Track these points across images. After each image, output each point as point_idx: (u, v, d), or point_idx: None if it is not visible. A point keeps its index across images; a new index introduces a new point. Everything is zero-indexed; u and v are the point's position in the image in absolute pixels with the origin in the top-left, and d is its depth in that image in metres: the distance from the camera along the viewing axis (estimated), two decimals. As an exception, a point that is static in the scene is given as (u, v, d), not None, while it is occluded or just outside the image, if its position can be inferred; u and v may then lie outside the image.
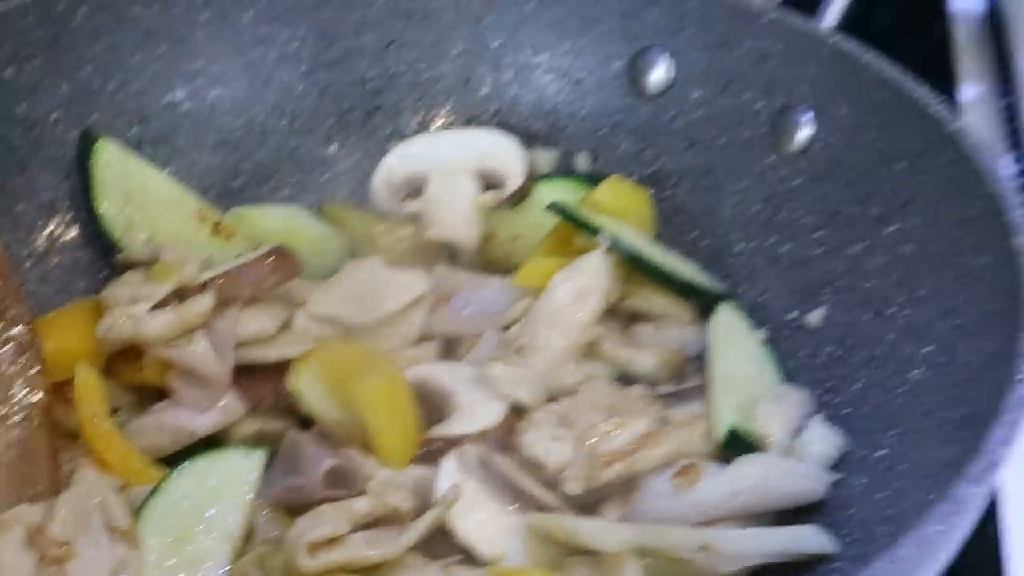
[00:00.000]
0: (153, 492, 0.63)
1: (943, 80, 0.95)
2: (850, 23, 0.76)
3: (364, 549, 0.60)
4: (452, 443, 0.66)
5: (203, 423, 0.69)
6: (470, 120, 0.83)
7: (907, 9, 1.03)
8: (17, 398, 0.66)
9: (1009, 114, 0.91)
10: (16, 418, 0.66)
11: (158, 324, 0.68)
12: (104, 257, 0.78)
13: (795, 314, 0.73)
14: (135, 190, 0.77)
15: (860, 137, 0.72)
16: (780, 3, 0.77)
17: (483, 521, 0.64)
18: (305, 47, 0.82)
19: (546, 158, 0.82)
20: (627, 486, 0.65)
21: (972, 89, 0.92)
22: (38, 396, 0.67)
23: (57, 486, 0.65)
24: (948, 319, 0.65)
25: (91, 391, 0.67)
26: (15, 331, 0.67)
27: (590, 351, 0.71)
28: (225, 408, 0.69)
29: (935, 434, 0.61)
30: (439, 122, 0.83)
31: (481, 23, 0.82)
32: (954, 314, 0.64)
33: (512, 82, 0.82)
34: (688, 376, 0.72)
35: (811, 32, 0.75)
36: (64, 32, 0.78)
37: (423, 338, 0.74)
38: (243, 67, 0.82)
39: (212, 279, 0.70)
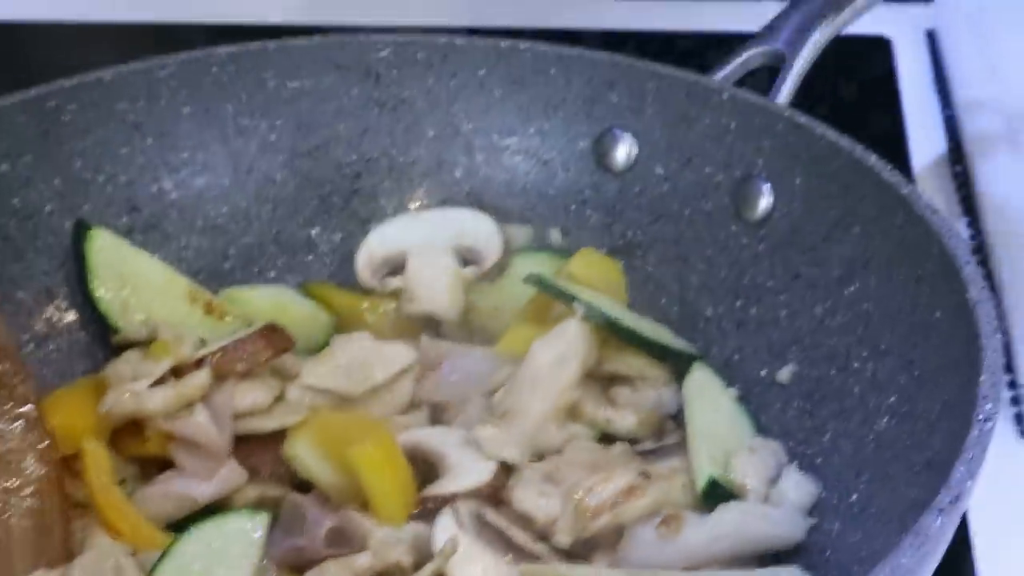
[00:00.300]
0: (163, 556, 0.64)
1: (895, 150, 0.97)
2: (804, 98, 0.77)
3: (368, 602, 0.62)
4: (446, 500, 0.67)
5: (206, 491, 0.69)
6: (445, 200, 0.83)
7: (859, 85, 1.04)
8: (29, 471, 0.67)
9: (961, 181, 0.92)
10: (28, 490, 0.66)
11: (158, 399, 0.70)
12: (102, 338, 0.79)
13: (765, 371, 0.74)
14: (129, 274, 0.78)
15: (816, 204, 0.73)
16: (735, 82, 0.78)
17: (479, 572, 0.64)
18: (284, 137, 0.83)
19: (521, 233, 0.82)
20: (614, 536, 0.66)
21: (924, 157, 0.93)
22: (47, 469, 0.67)
23: (71, 553, 0.66)
24: (908, 370, 0.66)
25: (100, 462, 0.69)
26: (24, 409, 0.68)
27: (572, 412, 0.72)
28: (227, 476, 0.70)
29: (902, 477, 0.63)
30: (416, 203, 0.84)
31: (451, 109, 0.82)
32: (913, 365, 0.66)
33: (484, 164, 0.83)
34: (667, 433, 0.73)
35: (765, 107, 0.76)
36: (55, 128, 0.79)
37: (413, 405, 0.74)
38: (226, 157, 0.82)
39: (208, 355, 0.72)
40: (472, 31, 0.94)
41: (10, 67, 0.82)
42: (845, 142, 0.72)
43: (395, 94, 0.83)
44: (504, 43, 0.82)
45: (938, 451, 0.60)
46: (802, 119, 0.74)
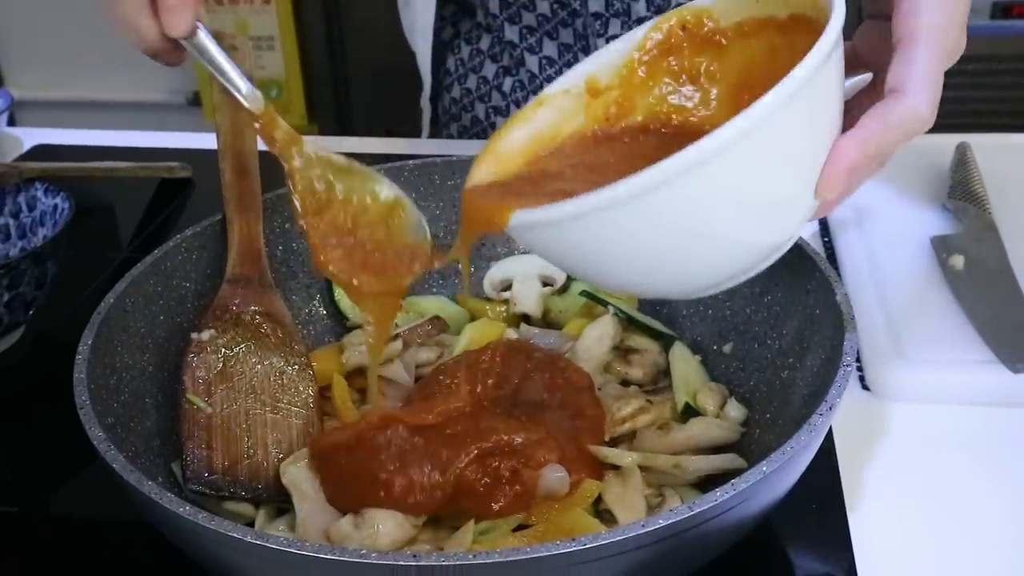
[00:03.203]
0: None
1: None
2: None
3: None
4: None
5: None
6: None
7: None
8: (303, 392, 0.69)
9: (828, 247, 0.91)
10: (301, 403, 0.68)
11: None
12: (339, 323, 0.80)
13: (716, 346, 0.74)
14: None
15: None
16: None
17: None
18: (445, 212, 0.82)
19: None
20: (632, 435, 0.67)
21: (805, 233, 0.93)
22: (313, 389, 0.69)
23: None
24: (800, 343, 0.67)
25: (342, 390, 0.71)
26: (300, 358, 0.70)
27: (606, 368, 0.73)
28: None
29: (797, 403, 0.64)
30: (518, 250, 0.84)
31: None
32: (804, 340, 0.67)
33: None
34: (660, 380, 0.74)
35: None
36: None
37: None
38: None
39: (401, 333, 0.75)
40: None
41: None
42: None
43: None
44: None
45: (819, 386, 0.60)
46: None
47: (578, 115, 0.62)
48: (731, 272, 0.54)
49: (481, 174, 0.58)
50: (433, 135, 1.25)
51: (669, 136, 0.61)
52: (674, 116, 0.61)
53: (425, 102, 1.23)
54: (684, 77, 0.61)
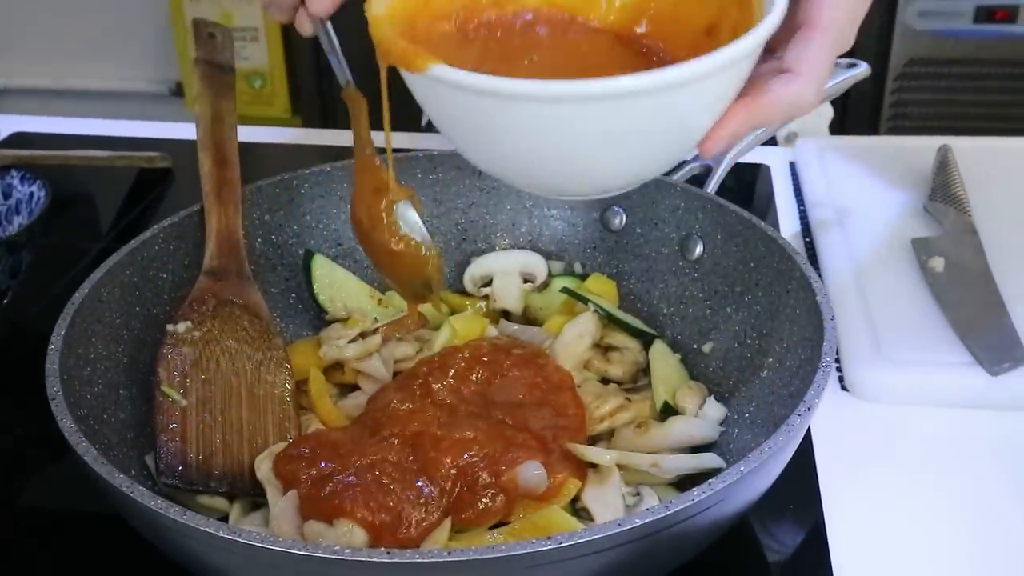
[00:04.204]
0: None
1: (771, 219, 0.96)
2: (722, 193, 0.77)
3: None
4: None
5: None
6: (515, 245, 0.83)
7: (751, 190, 1.03)
8: (279, 386, 0.68)
9: (808, 247, 0.91)
10: (278, 396, 0.68)
11: (352, 350, 0.72)
12: (318, 316, 0.79)
13: (696, 345, 0.74)
14: (335, 282, 0.79)
15: (729, 251, 0.73)
16: (685, 180, 0.79)
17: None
18: (426, 206, 0.81)
19: (558, 265, 0.82)
20: (610, 434, 0.67)
21: (787, 233, 0.93)
22: (290, 383, 0.69)
23: (300, 432, 0.67)
24: (780, 343, 0.67)
25: (320, 384, 0.70)
26: (278, 351, 0.70)
27: (586, 365, 0.73)
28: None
29: (776, 403, 0.63)
30: (499, 246, 0.83)
31: (520, 194, 0.82)
32: (784, 340, 0.66)
33: (538, 224, 0.82)
34: (640, 378, 0.74)
35: (700, 194, 0.76)
36: (296, 197, 0.80)
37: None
38: None
39: (380, 327, 0.74)
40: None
41: (273, 165, 0.82)
42: (746, 215, 0.73)
43: (489, 184, 0.82)
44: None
45: (798, 386, 0.60)
46: (722, 201, 0.75)
47: None
48: (601, 188, 0.56)
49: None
50: (429, 123, 1.25)
51: (556, 25, 0.60)
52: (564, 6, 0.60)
53: None
54: None
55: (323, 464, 0.59)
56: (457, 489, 0.58)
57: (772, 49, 0.53)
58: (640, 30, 0.60)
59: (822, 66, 0.52)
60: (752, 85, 0.51)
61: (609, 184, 0.55)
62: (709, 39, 0.56)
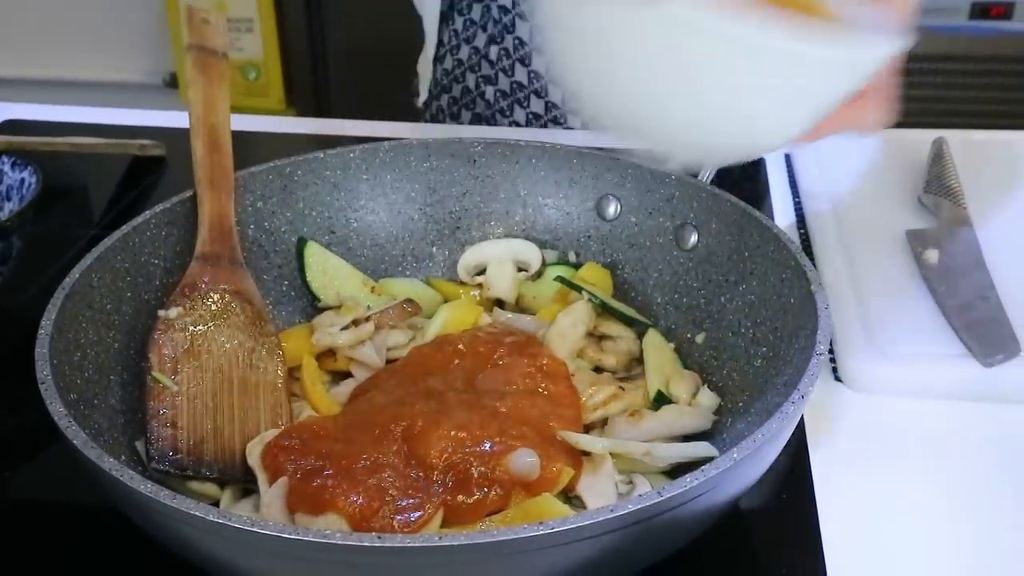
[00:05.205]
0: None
1: (766, 209, 0.96)
2: (718, 182, 0.76)
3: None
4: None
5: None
6: (509, 233, 0.83)
7: (748, 181, 1.02)
8: (272, 372, 0.68)
9: (803, 238, 0.91)
10: (271, 383, 0.67)
11: (345, 337, 0.71)
12: (311, 304, 0.79)
13: (690, 335, 0.74)
14: (328, 269, 0.79)
15: (724, 239, 0.73)
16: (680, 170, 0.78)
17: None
18: (419, 195, 0.82)
19: (552, 254, 0.82)
20: (603, 422, 0.67)
21: (783, 224, 0.93)
22: (282, 369, 0.69)
23: (292, 419, 0.67)
24: (775, 333, 0.67)
25: (312, 371, 0.70)
26: (271, 338, 0.69)
27: (580, 354, 0.73)
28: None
29: (770, 392, 0.63)
30: (493, 234, 0.83)
31: (515, 182, 0.82)
32: (778, 329, 0.66)
33: (532, 213, 0.82)
34: (634, 367, 0.73)
35: (695, 184, 0.76)
36: (290, 183, 0.80)
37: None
38: (386, 204, 0.82)
39: (373, 315, 0.73)
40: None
41: (267, 153, 0.82)
42: (741, 204, 0.73)
43: (483, 172, 0.82)
44: (547, 143, 0.81)
45: (791, 375, 0.60)
46: (717, 191, 0.75)
47: None
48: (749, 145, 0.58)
49: None
50: (426, 103, 1.24)
51: None
52: None
53: (427, 63, 1.22)
54: None
55: (312, 458, 0.58)
56: (450, 480, 0.58)
57: None
58: None
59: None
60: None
61: (761, 141, 0.57)
62: None
